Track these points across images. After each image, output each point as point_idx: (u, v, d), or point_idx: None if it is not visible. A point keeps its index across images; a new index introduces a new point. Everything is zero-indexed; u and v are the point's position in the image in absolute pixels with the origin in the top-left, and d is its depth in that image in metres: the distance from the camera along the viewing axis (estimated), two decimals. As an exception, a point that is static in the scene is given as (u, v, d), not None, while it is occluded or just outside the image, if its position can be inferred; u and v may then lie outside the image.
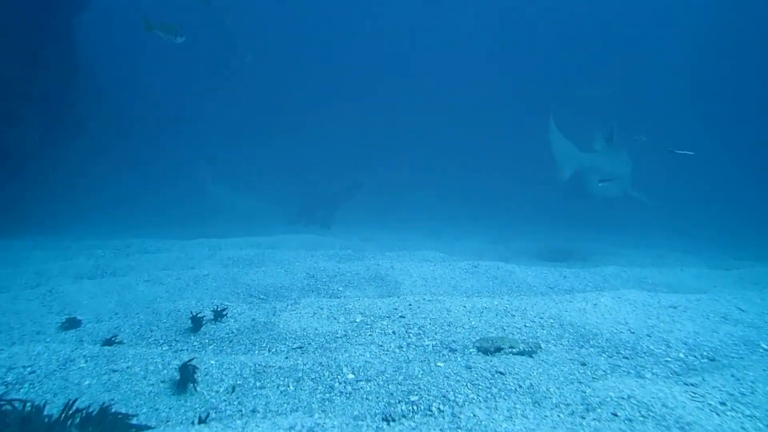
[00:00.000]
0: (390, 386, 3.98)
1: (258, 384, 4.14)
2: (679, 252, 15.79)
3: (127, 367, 4.33)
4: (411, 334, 5.11)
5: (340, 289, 8.36)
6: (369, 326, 5.43)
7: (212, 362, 4.45)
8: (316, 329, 5.48)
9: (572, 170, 12.95)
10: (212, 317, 6.31)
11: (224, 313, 6.51)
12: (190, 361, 4.27)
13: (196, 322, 6.04)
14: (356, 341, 5.08)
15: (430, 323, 5.31)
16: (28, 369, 4.30)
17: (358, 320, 5.63)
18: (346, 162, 34.18)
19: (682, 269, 9.34)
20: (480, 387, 3.88)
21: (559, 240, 18.59)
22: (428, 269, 8.74)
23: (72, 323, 6.60)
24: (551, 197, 25.44)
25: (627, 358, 4.51)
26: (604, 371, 4.20)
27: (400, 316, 5.58)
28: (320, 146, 35.85)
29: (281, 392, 4.01)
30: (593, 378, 4.04)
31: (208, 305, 6.65)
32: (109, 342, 5.78)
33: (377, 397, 3.87)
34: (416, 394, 3.82)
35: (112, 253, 14.01)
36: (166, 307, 6.89)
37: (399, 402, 3.78)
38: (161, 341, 5.83)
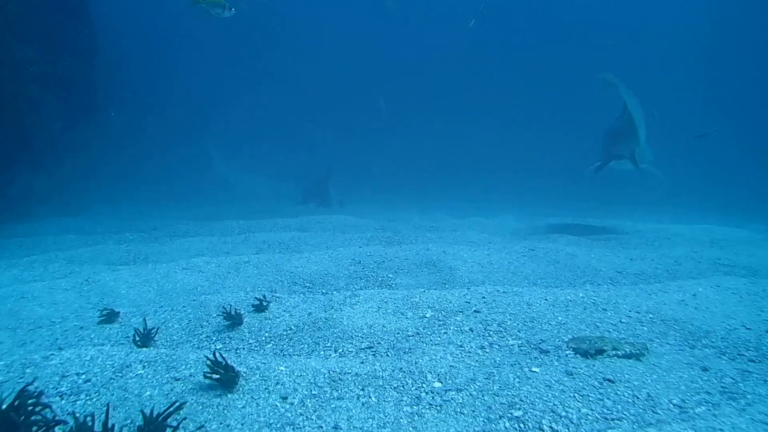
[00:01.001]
0: (485, 397, 3.51)
1: (335, 394, 3.70)
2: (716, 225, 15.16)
3: (190, 375, 3.91)
4: (491, 332, 4.64)
5: (390, 276, 7.90)
6: (441, 323, 4.96)
7: (282, 368, 4.02)
8: (383, 326, 5.02)
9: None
10: (263, 309, 5.90)
11: (275, 305, 6.09)
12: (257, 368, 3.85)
13: (250, 317, 5.63)
14: (431, 340, 4.61)
15: (510, 319, 4.82)
16: (83, 377, 3.90)
17: (428, 315, 5.17)
18: (355, 145, 34.54)
19: (755, 248, 8.72)
20: (590, 399, 3.40)
21: (581, 216, 18.24)
22: (482, 253, 8.23)
23: (111, 316, 6.25)
24: (562, 179, 25.69)
25: (755, 362, 3.99)
26: (733, 379, 3.68)
27: (475, 311, 5.10)
28: (331, 127, 36.27)
29: (363, 404, 3.57)
30: (722, 388, 3.53)
31: (254, 295, 6.25)
32: (152, 339, 5.41)
33: (473, 411, 3.41)
34: (519, 408, 3.35)
35: (141, 237, 13.71)
36: (212, 300, 6.48)
37: (500, 418, 3.31)
38: (214, 338, 5.42)
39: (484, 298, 5.41)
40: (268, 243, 11.81)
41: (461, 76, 42.56)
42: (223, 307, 6.17)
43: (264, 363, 4.10)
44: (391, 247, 9.23)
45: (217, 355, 3.94)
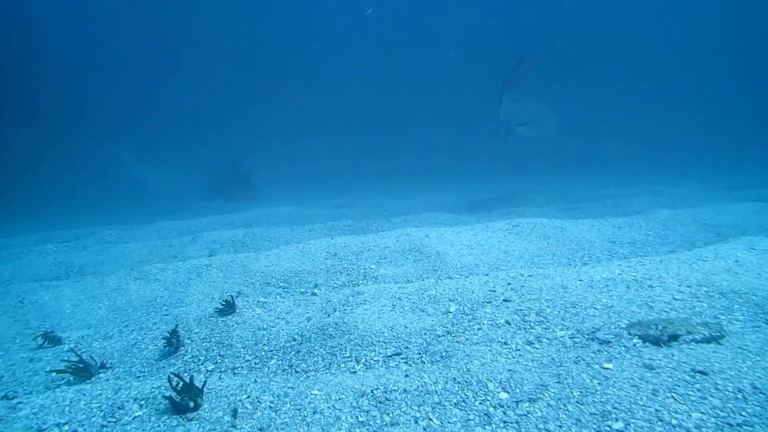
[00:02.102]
0: (568, 407, 2.99)
1: (387, 419, 3.08)
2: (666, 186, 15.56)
3: (199, 416, 3.19)
4: (532, 324, 4.13)
5: (373, 267, 7.29)
6: (470, 317, 4.41)
7: (315, 393, 3.35)
8: (405, 327, 4.42)
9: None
10: (256, 319, 5.17)
11: (261, 310, 5.37)
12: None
13: (240, 330, 4.89)
14: (467, 339, 4.06)
15: (548, 306, 4.34)
16: (66, 428, 3.09)
17: (452, 310, 4.61)
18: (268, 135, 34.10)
19: (718, 205, 8.71)
20: (692, 398, 2.94)
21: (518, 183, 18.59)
22: (467, 235, 7.75)
23: (54, 341, 5.38)
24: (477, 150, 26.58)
25: None
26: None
27: (504, 301, 4.59)
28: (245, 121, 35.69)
29: (426, 429, 2.97)
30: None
31: (225, 301, 5.50)
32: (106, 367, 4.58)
33: (560, 428, 2.88)
34: (616, 418, 2.84)
35: (66, 247, 12.42)
36: (183, 312, 5.66)
37: None
38: (203, 359, 4.65)
39: (509, 284, 4.90)
40: (220, 242, 10.90)
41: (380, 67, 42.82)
42: (201, 318, 5.39)
43: (292, 387, 3.42)
44: (365, 235, 8.60)
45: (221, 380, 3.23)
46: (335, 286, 6.94)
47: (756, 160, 21.26)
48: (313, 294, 6.69)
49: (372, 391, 3.32)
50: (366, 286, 5.61)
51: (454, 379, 3.38)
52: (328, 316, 5.00)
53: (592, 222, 7.86)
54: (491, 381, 3.31)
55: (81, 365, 4.56)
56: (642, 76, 36.96)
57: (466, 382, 3.33)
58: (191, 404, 3.23)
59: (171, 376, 3.36)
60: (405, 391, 3.30)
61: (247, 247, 10.16)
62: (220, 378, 4.10)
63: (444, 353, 3.90)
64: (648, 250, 6.67)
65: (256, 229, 11.40)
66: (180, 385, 3.28)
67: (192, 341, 4.97)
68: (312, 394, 3.33)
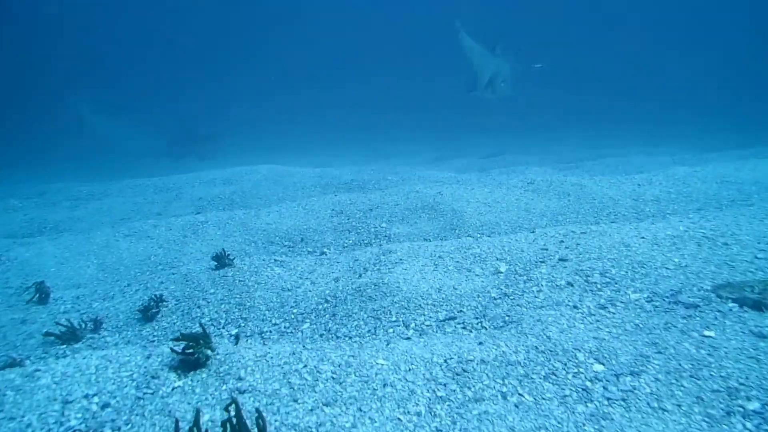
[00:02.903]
0: (683, 382, 2.63)
1: (470, 394, 2.69)
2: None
3: (251, 386, 2.74)
4: (598, 285, 3.77)
5: (384, 225, 6.85)
6: (526, 278, 4.03)
7: (382, 362, 2.94)
8: (454, 288, 4.01)
9: (489, 74, 13.70)
10: (277, 279, 4.70)
11: (280, 269, 4.90)
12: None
13: (262, 291, 4.42)
14: (529, 302, 3.68)
15: (612, 266, 3.97)
16: (96, 400, 2.61)
17: (502, 270, 4.21)
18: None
19: (740, 162, 8.47)
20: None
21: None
22: (483, 192, 7.34)
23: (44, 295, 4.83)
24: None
25: None
26: None
27: (560, 260, 4.21)
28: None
29: (517, 407, 2.59)
30: None
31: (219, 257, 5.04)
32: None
33: (679, 407, 2.50)
34: (749, 397, 2.49)
35: (33, 204, 11.66)
36: (191, 271, 5.15)
37: (729, 415, 2.41)
38: (224, 321, 4.18)
39: (562, 241, 4.52)
40: (206, 199, 10.28)
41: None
42: (217, 277, 4.89)
43: (354, 356, 2.99)
44: (372, 192, 8.12)
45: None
46: (345, 245, 6.50)
47: (730, 121, 21.31)
48: (322, 253, 6.25)
49: (445, 362, 2.92)
50: (397, 244, 5.17)
51: (536, 348, 2.99)
52: (360, 276, 4.56)
53: (610, 179, 7.54)
54: (579, 350, 2.93)
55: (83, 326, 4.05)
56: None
57: (551, 351, 2.95)
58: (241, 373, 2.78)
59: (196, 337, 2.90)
60: (483, 361, 2.91)
61: (237, 205, 9.58)
62: (247, 342, 3.65)
63: (507, 318, 3.51)
64: (674, 207, 6.38)
65: (245, 186, 10.80)
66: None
67: (208, 302, 4.48)
68: (378, 363, 2.91)
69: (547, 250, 4.38)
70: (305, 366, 2.87)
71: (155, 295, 4.50)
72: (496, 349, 2.99)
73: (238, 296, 4.51)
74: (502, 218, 6.53)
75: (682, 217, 5.11)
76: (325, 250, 6.37)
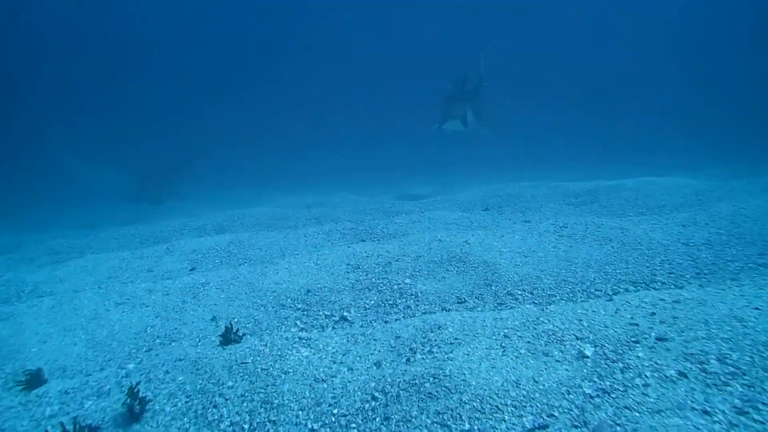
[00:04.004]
0: None
1: None
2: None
3: None
4: (721, 377, 3.02)
5: (408, 282, 6.12)
6: (621, 365, 3.29)
7: None
8: (534, 380, 3.27)
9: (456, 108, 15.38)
10: (305, 365, 3.93)
11: (302, 350, 4.13)
12: None
13: (291, 381, 3.64)
14: (638, 404, 2.93)
15: (731, 348, 3.23)
16: None
17: (588, 354, 3.47)
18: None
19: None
20: None
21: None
22: (514, 240, 6.66)
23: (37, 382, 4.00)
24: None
25: None
26: None
27: (658, 339, 3.47)
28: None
29: None
30: None
31: (241, 331, 4.26)
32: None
33: None
34: None
35: (9, 260, 10.72)
36: (201, 356, 4.35)
37: None
38: (248, 427, 3.40)
39: (653, 314, 3.80)
40: (201, 252, 9.45)
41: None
42: (232, 363, 4.10)
43: None
44: (388, 242, 7.40)
45: None
46: (367, 306, 5.76)
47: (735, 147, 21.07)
48: (343, 319, 5.50)
49: None
50: (445, 316, 4.42)
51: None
52: (408, 361, 3.80)
53: (650, 220, 6.91)
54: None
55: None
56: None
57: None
58: None
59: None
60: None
61: (236, 258, 8.79)
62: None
63: (617, 429, 2.77)
64: (734, 253, 5.75)
65: (242, 236, 9.99)
66: None
67: (227, 400, 3.69)
68: None
69: (637, 325, 3.67)
70: None
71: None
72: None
73: (262, 391, 3.72)
74: (542, 270, 5.84)
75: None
76: (345, 314, 5.62)
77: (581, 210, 10.10)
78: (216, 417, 3.55)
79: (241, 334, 4.84)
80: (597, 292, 5.16)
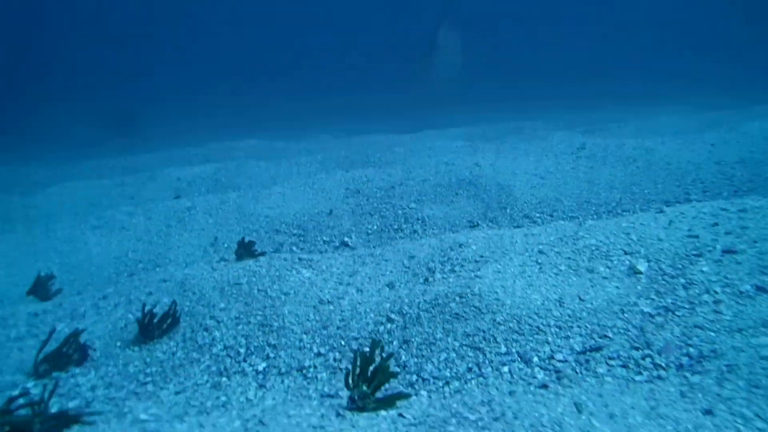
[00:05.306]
0: None
1: None
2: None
3: None
4: None
5: (413, 206, 5.61)
6: (684, 280, 2.82)
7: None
8: (580, 299, 2.80)
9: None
10: (308, 286, 3.43)
11: (308, 272, 3.64)
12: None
13: (293, 302, 3.15)
14: (714, 322, 2.48)
15: None
16: None
17: (641, 270, 2.98)
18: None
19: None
20: None
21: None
22: (528, 162, 6.12)
23: None
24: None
25: None
26: None
27: (726, 252, 2.98)
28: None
29: None
30: None
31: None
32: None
33: None
34: None
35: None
36: (189, 276, 3.85)
37: None
38: (244, 351, 2.93)
39: (716, 224, 3.30)
40: (186, 180, 8.86)
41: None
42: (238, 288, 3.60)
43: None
44: (390, 167, 6.83)
45: None
46: (369, 232, 5.27)
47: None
48: (344, 244, 5.01)
49: None
50: (466, 234, 3.92)
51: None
52: (427, 281, 3.31)
53: (676, 140, 6.39)
54: None
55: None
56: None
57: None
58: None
59: None
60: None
61: (224, 186, 8.21)
62: (282, 382, 2.42)
63: (691, 351, 2.30)
64: (771, 171, 5.28)
65: (230, 164, 9.37)
66: None
67: (219, 323, 3.20)
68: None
69: (698, 237, 3.18)
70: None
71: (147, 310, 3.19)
72: (744, 426, 1.77)
73: (259, 313, 3.23)
74: (561, 192, 5.34)
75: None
76: (346, 239, 5.13)
77: (593, 136, 9.55)
78: (207, 341, 3.07)
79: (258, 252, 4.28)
80: (625, 213, 4.68)
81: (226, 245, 5.24)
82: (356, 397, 2.07)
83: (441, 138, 11.59)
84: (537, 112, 18.80)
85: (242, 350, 2.97)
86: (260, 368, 2.82)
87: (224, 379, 2.74)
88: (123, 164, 11.54)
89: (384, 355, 2.24)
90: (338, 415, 1.99)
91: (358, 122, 21.08)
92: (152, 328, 3.13)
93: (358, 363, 2.10)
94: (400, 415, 1.97)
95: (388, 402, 2.06)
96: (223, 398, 2.57)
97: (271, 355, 2.91)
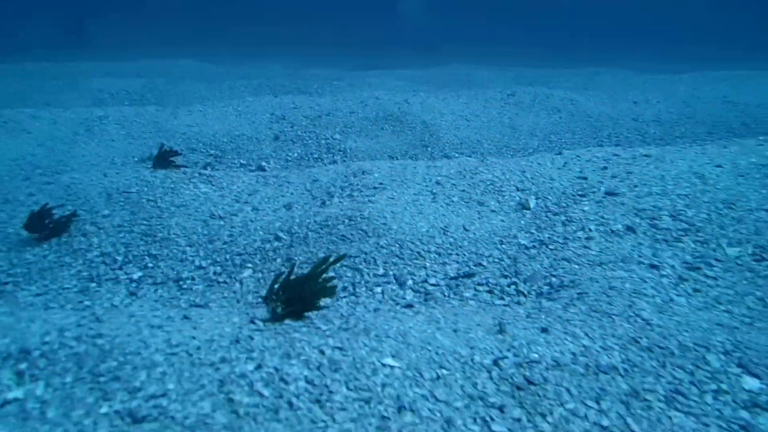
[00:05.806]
0: None
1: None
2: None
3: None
4: (673, 233, 2.66)
5: (337, 137, 5.52)
6: (563, 218, 2.87)
7: (390, 362, 1.73)
8: (465, 229, 2.82)
9: None
10: (203, 200, 3.34)
11: (209, 189, 3.53)
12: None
13: (182, 214, 3.06)
14: (581, 256, 2.54)
15: (686, 206, 2.85)
16: None
17: (530, 206, 3.02)
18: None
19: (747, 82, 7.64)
20: None
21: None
22: (457, 104, 6.08)
23: None
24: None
25: None
26: None
27: (608, 193, 3.05)
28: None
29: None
30: None
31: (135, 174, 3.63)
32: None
33: None
34: None
35: None
36: (77, 181, 3.68)
37: None
38: (121, 260, 2.84)
39: (605, 168, 3.36)
40: (109, 92, 8.45)
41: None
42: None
43: (342, 348, 1.76)
44: (320, 96, 6.66)
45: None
46: (289, 159, 5.16)
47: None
48: (260, 169, 4.90)
49: (495, 363, 1.74)
50: (372, 163, 3.87)
51: (636, 341, 1.86)
52: (323, 204, 3.27)
53: (602, 97, 6.47)
54: (708, 349, 1.83)
55: None
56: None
57: (662, 349, 1.83)
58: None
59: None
60: (556, 365, 1.75)
61: (148, 102, 7.86)
62: (155, 291, 2.36)
63: (554, 279, 2.36)
64: (682, 130, 5.43)
65: (158, 80, 8.97)
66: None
67: (99, 229, 3.07)
68: (382, 364, 1.69)
69: (586, 179, 3.23)
70: (258, 367, 1.61)
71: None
72: (574, 344, 1.83)
73: (144, 222, 3.13)
74: (483, 135, 5.35)
75: (723, 143, 4.09)
76: (263, 163, 5.02)
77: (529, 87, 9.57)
78: (84, 246, 2.94)
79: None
80: (539, 160, 4.74)
81: (136, 159, 5.04)
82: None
83: (385, 77, 11.40)
84: (497, 59, 18.76)
85: (119, 258, 2.87)
86: (135, 277, 2.74)
87: (93, 284, 2.65)
88: (48, 70, 10.89)
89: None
90: (185, 318, 1.94)
91: (315, 56, 20.54)
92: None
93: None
94: (252, 321, 1.94)
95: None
96: (87, 302, 2.48)
97: (150, 264, 2.83)
